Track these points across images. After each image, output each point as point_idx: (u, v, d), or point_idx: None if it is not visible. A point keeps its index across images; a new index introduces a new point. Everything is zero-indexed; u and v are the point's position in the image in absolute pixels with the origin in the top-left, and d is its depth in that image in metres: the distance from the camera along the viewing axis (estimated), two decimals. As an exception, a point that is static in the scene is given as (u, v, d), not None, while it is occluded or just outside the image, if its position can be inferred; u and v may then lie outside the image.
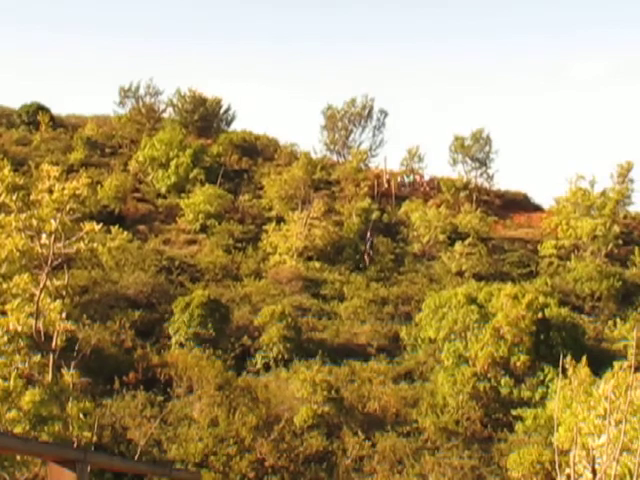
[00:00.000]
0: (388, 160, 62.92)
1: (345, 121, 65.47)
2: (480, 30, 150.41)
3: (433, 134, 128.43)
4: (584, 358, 24.02)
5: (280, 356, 33.31)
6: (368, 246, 46.65)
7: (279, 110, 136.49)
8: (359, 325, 37.53)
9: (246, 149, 60.06)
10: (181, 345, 33.31)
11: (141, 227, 46.33)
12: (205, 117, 64.55)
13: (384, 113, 65.97)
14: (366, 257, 46.11)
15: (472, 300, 35.24)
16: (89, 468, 4.84)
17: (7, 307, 15.67)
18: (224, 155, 56.63)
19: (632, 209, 55.03)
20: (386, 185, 57.56)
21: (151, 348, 32.91)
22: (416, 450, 28.25)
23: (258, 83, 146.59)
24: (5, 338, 12.19)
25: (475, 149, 59.95)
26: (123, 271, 38.12)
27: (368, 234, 46.84)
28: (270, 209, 50.50)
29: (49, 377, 17.54)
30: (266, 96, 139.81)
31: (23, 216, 19.95)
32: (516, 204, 59.94)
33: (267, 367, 33.11)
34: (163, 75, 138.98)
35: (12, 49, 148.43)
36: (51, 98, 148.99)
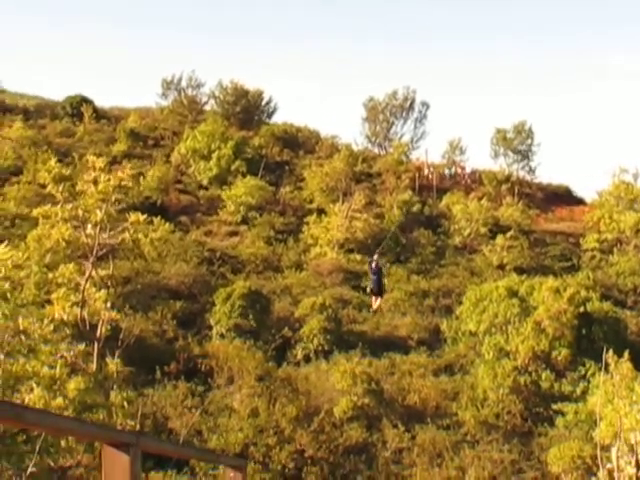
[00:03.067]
0: (429, 152, 62.99)
1: (386, 113, 65.42)
2: (511, 26, 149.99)
3: (475, 126, 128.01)
4: (626, 353, 23.70)
5: (320, 348, 33.34)
6: (373, 279, 36.82)
7: (320, 104, 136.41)
8: (399, 317, 37.44)
9: (287, 141, 60.16)
10: (222, 336, 33.45)
11: (183, 218, 46.58)
12: (247, 109, 64.77)
13: (426, 105, 66.05)
14: (374, 299, 37.03)
15: (513, 293, 35.08)
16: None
17: (53, 296, 15.89)
18: (265, 147, 56.76)
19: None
20: (427, 177, 57.45)
21: (192, 339, 33.06)
22: (456, 443, 28.15)
23: (298, 77, 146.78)
24: (51, 327, 12.35)
25: (517, 142, 59.68)
26: (165, 262, 38.33)
27: (373, 263, 37.15)
28: (311, 201, 50.55)
29: (93, 366, 17.74)
30: (305, 90, 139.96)
31: (69, 206, 20.17)
32: (558, 197, 59.60)
33: (307, 359, 33.15)
34: (205, 68, 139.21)
35: (54, 41, 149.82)
36: (95, 90, 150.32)
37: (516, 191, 55.84)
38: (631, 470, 7.33)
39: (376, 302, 36.02)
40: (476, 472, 26.23)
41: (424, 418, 29.69)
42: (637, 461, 6.35)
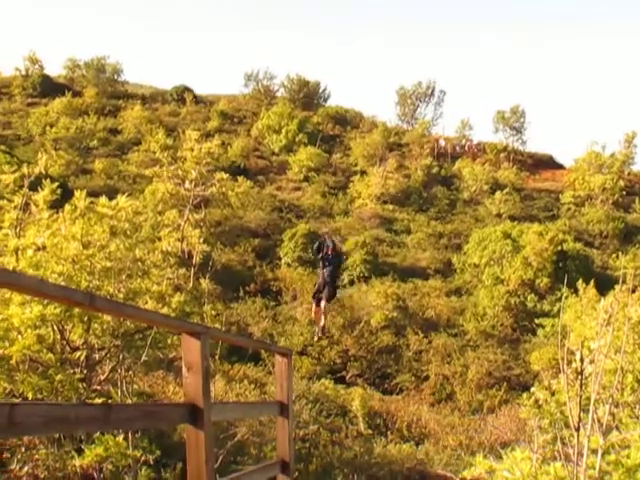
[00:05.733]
0: (446, 128, 62.09)
1: (413, 98, 64.55)
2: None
3: (482, 105, 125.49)
4: (592, 282, 23.50)
5: (361, 274, 33.42)
6: (327, 271, 16.52)
7: (364, 89, 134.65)
8: (421, 252, 37.37)
9: (338, 119, 59.66)
10: (288, 265, 33.68)
11: (260, 177, 46.60)
12: (308, 95, 64.24)
13: (443, 92, 64.82)
14: (316, 307, 16.84)
15: (507, 236, 34.77)
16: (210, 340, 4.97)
17: (161, 234, 16.13)
18: (322, 124, 56.42)
19: (635, 168, 53.55)
20: (444, 147, 56.74)
21: (266, 267, 33.32)
22: (461, 347, 28.18)
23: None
24: (160, 256, 12.54)
25: (512, 120, 58.72)
26: (246, 210, 38.47)
27: (327, 246, 16.74)
28: (356, 165, 50.25)
29: (191, 285, 18.03)
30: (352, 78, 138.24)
31: (172, 168, 20.38)
32: (543, 163, 58.45)
33: (352, 282, 33.27)
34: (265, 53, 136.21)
35: (165, 43, 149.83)
36: (194, 80, 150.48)
37: (511, 158, 54.93)
38: (589, 368, 7.31)
39: (321, 319, 17.00)
40: (476, 368, 26.23)
41: (438, 328, 29.72)
42: (581, 356, 6.36)
